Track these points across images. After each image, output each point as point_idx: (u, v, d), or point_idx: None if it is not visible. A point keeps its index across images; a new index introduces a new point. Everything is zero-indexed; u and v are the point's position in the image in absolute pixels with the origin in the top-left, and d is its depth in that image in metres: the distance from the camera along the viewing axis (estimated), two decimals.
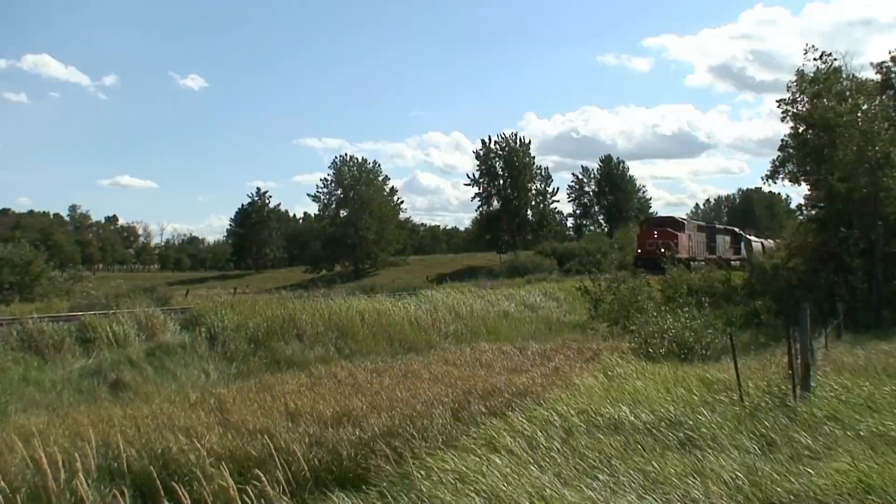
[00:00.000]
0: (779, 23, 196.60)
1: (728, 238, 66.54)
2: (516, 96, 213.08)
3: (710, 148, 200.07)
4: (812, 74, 28.86)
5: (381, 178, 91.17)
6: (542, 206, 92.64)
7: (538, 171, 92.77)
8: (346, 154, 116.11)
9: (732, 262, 57.95)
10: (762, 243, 71.93)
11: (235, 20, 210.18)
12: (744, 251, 66.13)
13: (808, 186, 30.30)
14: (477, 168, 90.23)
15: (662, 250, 44.61)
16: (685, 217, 64.64)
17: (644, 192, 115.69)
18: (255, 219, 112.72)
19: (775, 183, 31.49)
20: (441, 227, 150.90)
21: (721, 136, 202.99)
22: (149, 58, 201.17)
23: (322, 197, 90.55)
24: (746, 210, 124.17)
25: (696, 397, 10.28)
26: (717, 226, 69.49)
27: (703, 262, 52.48)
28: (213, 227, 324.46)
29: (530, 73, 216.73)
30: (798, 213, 35.52)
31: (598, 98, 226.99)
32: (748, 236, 72.69)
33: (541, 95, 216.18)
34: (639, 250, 51.49)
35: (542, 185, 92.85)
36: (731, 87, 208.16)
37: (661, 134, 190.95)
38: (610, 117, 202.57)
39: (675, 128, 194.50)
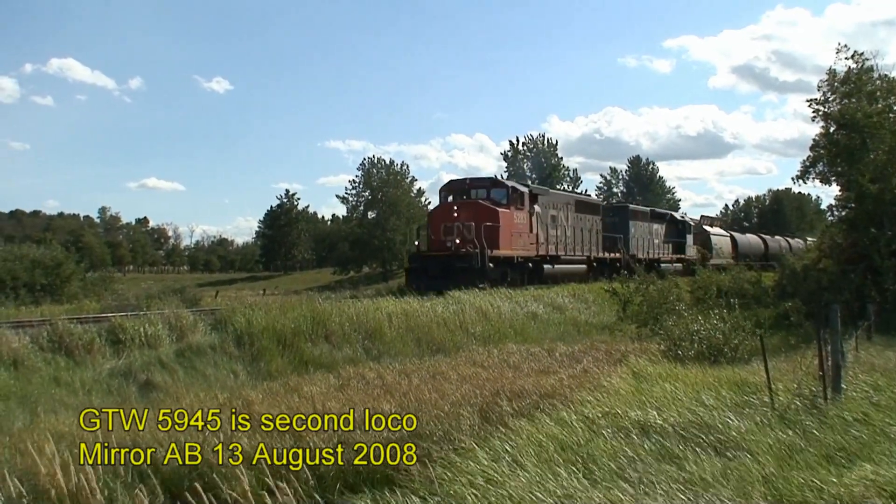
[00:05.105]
0: (800, 23, 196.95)
1: (660, 228, 44.78)
2: (538, 98, 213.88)
3: (736, 148, 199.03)
4: (843, 74, 28.58)
5: (408, 180, 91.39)
6: None
7: (566, 173, 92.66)
8: (373, 156, 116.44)
9: (664, 264, 41.86)
10: (733, 237, 55.53)
11: (259, 24, 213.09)
12: (690, 250, 47.65)
13: (839, 187, 29.98)
14: (505, 170, 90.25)
15: (458, 242, 27.23)
16: (533, 186, 36.78)
17: (674, 193, 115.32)
18: (283, 220, 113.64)
19: (805, 183, 31.13)
20: None
21: (747, 137, 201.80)
22: (173, 61, 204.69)
23: (350, 198, 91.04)
24: (776, 211, 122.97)
25: (726, 399, 10.20)
26: (639, 208, 45.08)
27: (579, 266, 34.98)
28: (241, 228, 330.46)
29: (551, 76, 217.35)
30: (828, 213, 35.18)
31: (620, 99, 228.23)
32: (708, 228, 53.44)
33: (562, 97, 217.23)
34: (416, 243, 32.50)
35: (571, 187, 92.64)
36: (754, 88, 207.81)
37: (685, 135, 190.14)
38: (633, 118, 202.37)
39: (700, 128, 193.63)
